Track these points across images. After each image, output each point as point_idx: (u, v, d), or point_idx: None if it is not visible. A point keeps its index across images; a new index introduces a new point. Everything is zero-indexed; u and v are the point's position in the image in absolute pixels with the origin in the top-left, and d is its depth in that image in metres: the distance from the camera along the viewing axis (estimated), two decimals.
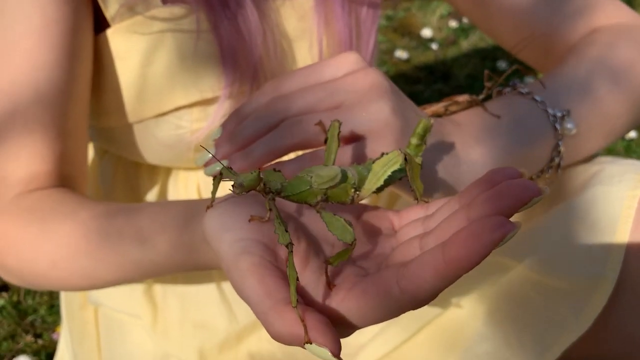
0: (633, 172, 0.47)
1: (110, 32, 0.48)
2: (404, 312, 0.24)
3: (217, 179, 0.29)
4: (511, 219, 0.22)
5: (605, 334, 0.46)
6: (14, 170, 0.46)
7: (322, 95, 0.35)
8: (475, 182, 0.26)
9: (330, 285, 0.26)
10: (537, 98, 0.45)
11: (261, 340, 0.56)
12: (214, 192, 0.30)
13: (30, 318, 0.98)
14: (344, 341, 0.53)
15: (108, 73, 0.50)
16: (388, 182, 0.32)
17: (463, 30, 1.77)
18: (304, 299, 0.26)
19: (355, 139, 0.35)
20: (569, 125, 0.45)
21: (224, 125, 0.37)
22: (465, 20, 1.82)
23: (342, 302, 0.25)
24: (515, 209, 0.23)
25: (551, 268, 0.46)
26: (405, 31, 1.82)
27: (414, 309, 0.24)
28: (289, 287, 0.25)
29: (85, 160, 0.51)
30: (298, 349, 0.54)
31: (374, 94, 0.35)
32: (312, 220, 0.31)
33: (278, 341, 0.24)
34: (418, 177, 0.30)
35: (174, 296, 0.57)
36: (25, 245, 0.44)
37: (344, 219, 0.27)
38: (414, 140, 0.33)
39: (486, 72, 0.46)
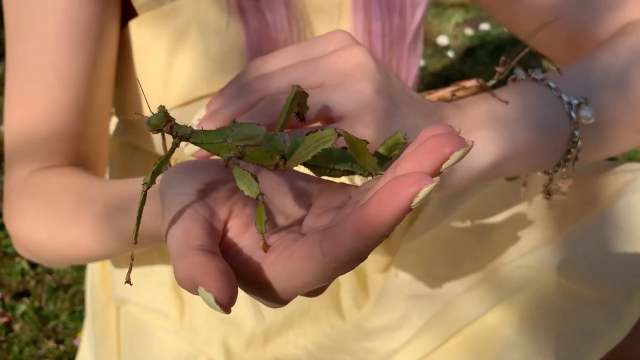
0: None
1: (137, 22, 0.49)
2: (329, 276, 0.23)
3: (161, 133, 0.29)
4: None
5: (639, 342, 0.45)
6: (31, 147, 0.47)
7: (302, 73, 0.34)
8: (410, 143, 0.25)
9: (265, 248, 0.26)
10: (552, 84, 0.42)
11: (288, 344, 0.55)
12: (164, 146, 0.30)
13: (52, 324, 0.99)
14: (373, 348, 0.54)
15: (135, 62, 0.50)
16: (323, 162, 0.30)
17: (479, 38, 1.77)
18: (238, 260, 0.26)
19: (334, 119, 0.34)
20: (585, 113, 0.42)
21: (208, 105, 0.36)
22: (481, 27, 1.82)
23: (272, 264, 0.25)
24: (437, 164, 0.21)
25: (585, 277, 0.45)
26: None
27: (338, 273, 0.23)
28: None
29: (105, 143, 0.52)
30: (325, 354, 0.54)
31: (358, 73, 0.33)
32: (272, 191, 0.31)
33: (182, 286, 0.24)
34: (365, 153, 0.29)
35: None
36: (28, 214, 0.46)
37: (252, 174, 0.27)
38: (381, 149, 0.32)
39: (502, 58, 0.43)
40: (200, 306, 0.56)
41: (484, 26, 1.83)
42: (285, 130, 0.33)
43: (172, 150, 0.28)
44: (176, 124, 0.27)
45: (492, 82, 0.42)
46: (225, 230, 0.28)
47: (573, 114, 0.42)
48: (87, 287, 0.68)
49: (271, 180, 0.31)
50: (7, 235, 1.14)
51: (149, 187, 0.27)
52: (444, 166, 0.21)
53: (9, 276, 1.07)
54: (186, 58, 0.48)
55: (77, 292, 1.05)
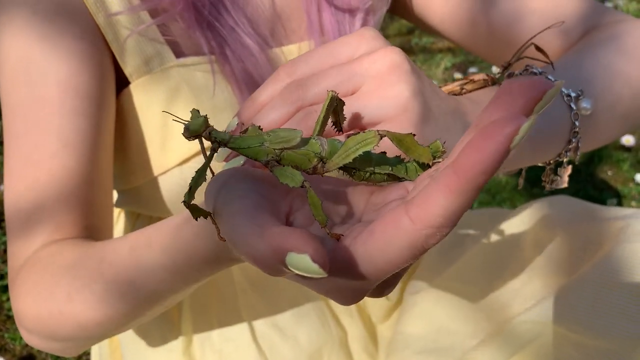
0: None
1: (130, 89, 0.50)
2: (418, 249, 0.21)
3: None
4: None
5: None
6: (38, 220, 0.46)
7: (338, 80, 0.33)
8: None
9: (335, 235, 0.25)
10: (550, 77, 0.44)
11: None
12: (203, 153, 0.29)
13: None
14: None
15: (131, 128, 0.52)
16: (362, 166, 0.30)
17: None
18: None
19: (372, 125, 0.33)
20: (584, 105, 0.44)
21: (239, 114, 0.35)
22: (470, 70, 1.87)
23: (349, 248, 0.23)
24: (529, 105, 0.20)
25: (589, 329, 0.46)
26: None
27: (428, 244, 0.21)
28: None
29: (111, 213, 0.52)
30: None
31: (393, 77, 0.32)
32: (324, 197, 0.29)
33: (264, 268, 0.22)
34: (416, 146, 0.28)
35: (212, 352, 0.57)
36: (42, 285, 0.44)
37: (291, 167, 0.27)
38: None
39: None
40: None
41: (473, 70, 1.88)
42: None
43: (210, 160, 0.27)
44: (214, 129, 0.27)
45: (497, 76, 0.44)
46: (288, 223, 0.27)
47: (573, 105, 0.44)
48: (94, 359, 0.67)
49: (324, 185, 0.30)
50: (9, 299, 1.14)
51: (189, 204, 0.26)
52: (536, 108, 0.20)
53: (13, 340, 1.06)
54: (180, 116, 0.49)
55: (82, 354, 1.04)
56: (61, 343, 0.47)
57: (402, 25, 2.15)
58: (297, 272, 0.21)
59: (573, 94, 0.44)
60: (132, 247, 0.41)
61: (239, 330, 0.58)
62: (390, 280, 0.26)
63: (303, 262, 0.21)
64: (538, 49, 0.46)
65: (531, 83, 0.20)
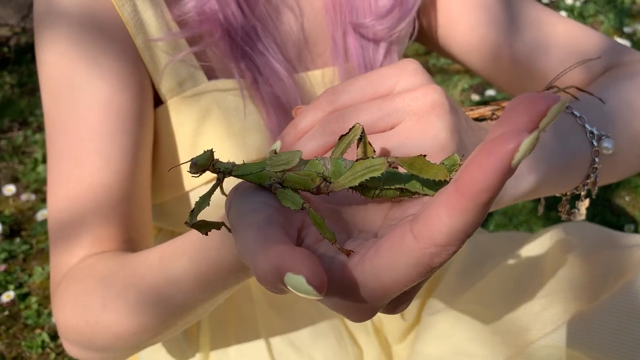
0: None
1: (163, 108, 0.52)
2: (423, 267, 0.21)
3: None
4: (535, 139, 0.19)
5: None
6: (78, 234, 0.47)
7: (378, 115, 0.33)
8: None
9: (345, 251, 0.25)
10: (576, 113, 0.45)
11: None
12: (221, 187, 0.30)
13: None
14: None
15: (164, 145, 0.53)
16: (371, 183, 0.29)
17: (486, 104, 1.82)
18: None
19: None
20: (606, 145, 0.45)
21: (282, 138, 0.36)
22: (487, 93, 1.88)
23: (357, 265, 0.23)
24: (534, 122, 0.19)
25: (609, 355, 0.46)
26: None
27: (433, 263, 0.21)
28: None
29: (149, 226, 0.53)
30: None
31: (433, 117, 0.33)
32: (342, 207, 0.30)
33: (266, 285, 0.22)
34: (429, 165, 0.28)
35: None
36: (80, 296, 0.45)
37: (292, 190, 0.28)
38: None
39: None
40: None
41: (490, 92, 1.88)
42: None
43: (215, 188, 0.29)
44: (219, 161, 0.29)
45: None
46: (300, 238, 0.27)
47: (595, 142, 0.45)
48: None
49: (341, 198, 0.30)
50: (27, 307, 1.16)
51: (193, 224, 0.28)
52: (541, 124, 0.19)
53: (30, 349, 1.07)
54: (210, 136, 0.51)
55: None
56: (100, 353, 0.48)
57: (419, 46, 2.17)
58: (295, 292, 0.21)
59: (596, 132, 0.45)
60: (161, 257, 0.42)
61: (256, 348, 0.59)
62: (403, 297, 0.26)
63: (299, 283, 0.21)
64: (579, 89, 0.47)
65: (535, 98, 0.20)
